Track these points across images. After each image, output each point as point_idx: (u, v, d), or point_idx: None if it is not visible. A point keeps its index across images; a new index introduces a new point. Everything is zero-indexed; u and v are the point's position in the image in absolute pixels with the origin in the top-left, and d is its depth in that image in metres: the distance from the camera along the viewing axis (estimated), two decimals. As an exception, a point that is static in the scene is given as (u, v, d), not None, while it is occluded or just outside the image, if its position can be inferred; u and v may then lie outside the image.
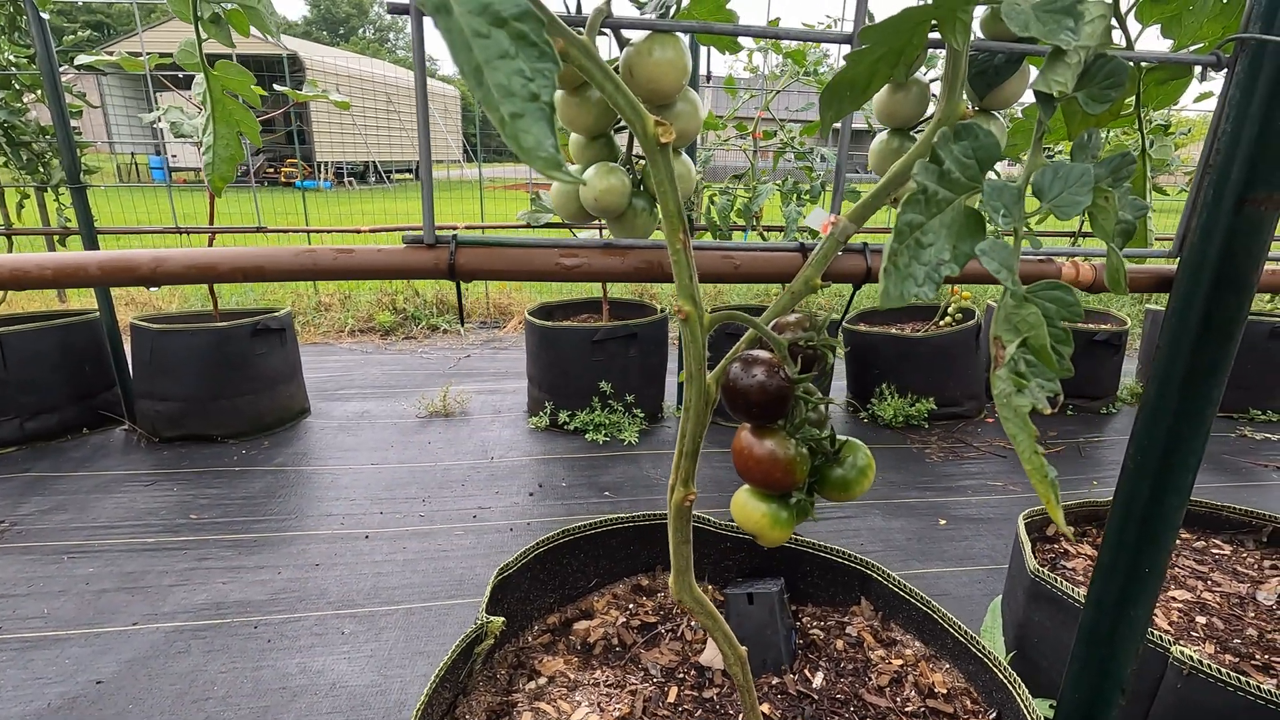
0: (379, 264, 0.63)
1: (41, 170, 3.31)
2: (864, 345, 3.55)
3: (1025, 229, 0.42)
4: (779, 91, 3.36)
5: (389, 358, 4.54)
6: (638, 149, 0.73)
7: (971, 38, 0.53)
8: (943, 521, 2.58)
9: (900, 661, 1.04)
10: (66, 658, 1.77)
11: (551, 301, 3.84)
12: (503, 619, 0.91)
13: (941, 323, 3.72)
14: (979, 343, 3.62)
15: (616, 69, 0.67)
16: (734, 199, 3.48)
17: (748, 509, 0.59)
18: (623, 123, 0.75)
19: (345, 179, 17.45)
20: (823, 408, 0.62)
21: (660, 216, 0.78)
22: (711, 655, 1.05)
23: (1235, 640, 1.17)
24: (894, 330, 3.58)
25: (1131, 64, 0.71)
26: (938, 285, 0.39)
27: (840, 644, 1.08)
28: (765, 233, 3.45)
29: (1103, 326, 3.70)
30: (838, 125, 0.65)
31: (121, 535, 2.33)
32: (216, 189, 0.87)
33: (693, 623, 1.12)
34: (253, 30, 1.04)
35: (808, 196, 3.44)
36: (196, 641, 1.84)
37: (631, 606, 1.15)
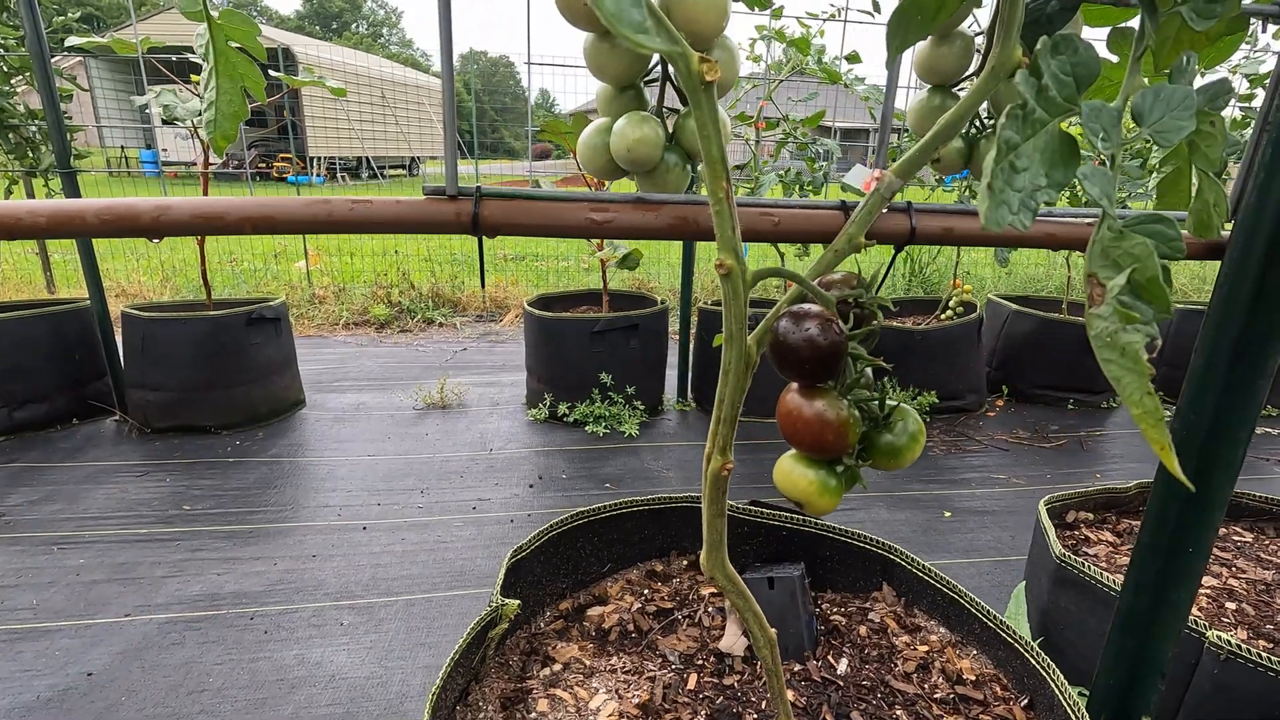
0: (397, 216, 0.59)
1: (30, 155, 3.24)
2: (866, 338, 3.52)
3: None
4: (782, 80, 3.33)
5: (384, 350, 4.49)
6: (669, 101, 0.69)
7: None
8: (947, 514, 2.55)
9: (926, 648, 1.00)
10: (56, 649, 1.72)
11: (550, 293, 3.80)
12: (518, 602, 0.87)
13: (943, 316, 3.70)
14: (980, 336, 3.60)
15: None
16: (735, 190, 3.45)
17: (794, 475, 0.55)
18: (653, 75, 0.71)
19: (338, 174, 17.33)
20: (870, 371, 0.59)
21: (698, 170, 0.74)
22: (731, 642, 1.01)
23: (1268, 626, 1.14)
24: (895, 324, 3.56)
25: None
26: (1034, 213, 0.35)
27: (863, 630, 1.05)
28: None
29: (1104, 320, 3.68)
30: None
31: (112, 526, 2.28)
32: (218, 148, 0.82)
33: (710, 609, 1.08)
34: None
35: (810, 187, 3.42)
36: (191, 633, 1.79)
37: (646, 592, 1.11)
